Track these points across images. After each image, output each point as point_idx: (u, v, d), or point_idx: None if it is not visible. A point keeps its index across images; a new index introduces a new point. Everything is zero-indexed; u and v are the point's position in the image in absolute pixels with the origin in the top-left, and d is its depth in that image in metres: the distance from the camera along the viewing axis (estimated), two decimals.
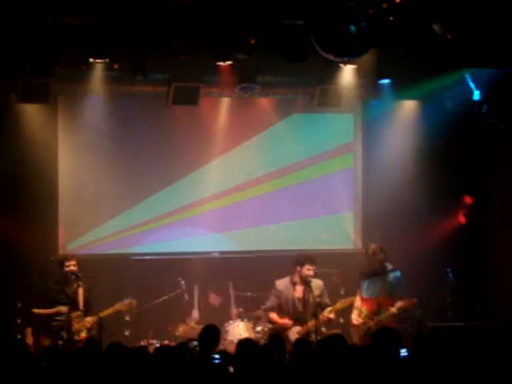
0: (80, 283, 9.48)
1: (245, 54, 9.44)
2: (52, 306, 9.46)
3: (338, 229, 11.85)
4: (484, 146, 11.92)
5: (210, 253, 11.38)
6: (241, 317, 10.22)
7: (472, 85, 10.95)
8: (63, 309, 9.31)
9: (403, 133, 11.74)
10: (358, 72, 10.31)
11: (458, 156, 11.83)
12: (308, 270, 9.59)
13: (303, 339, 7.37)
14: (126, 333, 10.05)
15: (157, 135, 11.24)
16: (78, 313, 9.42)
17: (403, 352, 6.26)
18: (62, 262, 9.60)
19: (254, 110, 11.53)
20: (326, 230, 11.73)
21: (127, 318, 10.02)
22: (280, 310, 9.71)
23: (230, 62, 9.53)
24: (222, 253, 11.43)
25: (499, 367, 6.67)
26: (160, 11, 8.60)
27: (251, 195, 11.54)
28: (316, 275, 9.78)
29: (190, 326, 10.23)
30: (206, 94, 10.78)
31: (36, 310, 9.41)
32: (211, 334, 7.23)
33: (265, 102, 11.56)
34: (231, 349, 8.87)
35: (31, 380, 5.91)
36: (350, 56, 8.77)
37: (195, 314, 10.41)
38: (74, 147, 10.97)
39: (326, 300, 9.72)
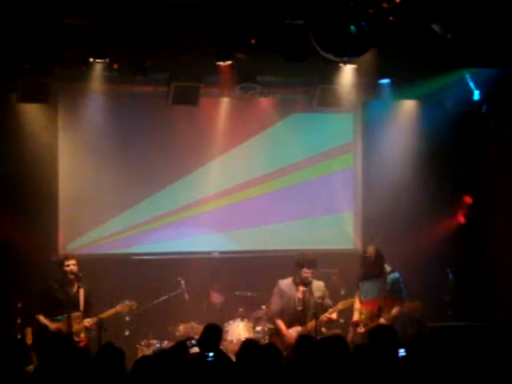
0: (80, 283, 9.48)
1: (245, 54, 9.44)
2: (53, 306, 9.43)
3: (338, 229, 11.85)
4: (484, 145, 11.92)
5: (210, 253, 11.38)
6: (241, 317, 10.22)
7: (472, 85, 10.96)
8: (63, 325, 9.28)
9: (403, 133, 11.75)
10: (358, 72, 10.32)
11: (458, 156, 11.84)
12: (305, 272, 9.56)
13: (305, 335, 7.36)
14: (126, 333, 10.05)
15: (157, 135, 11.24)
16: (78, 313, 9.42)
17: (401, 352, 6.27)
18: (61, 262, 9.58)
19: (254, 110, 11.54)
20: (325, 230, 11.73)
21: (127, 319, 10.02)
22: (281, 310, 9.70)
23: (229, 62, 9.54)
24: (221, 253, 11.42)
25: (499, 367, 6.68)
26: (160, 11, 8.60)
27: (251, 195, 11.54)
28: (316, 276, 9.77)
29: (190, 326, 10.23)
30: (205, 93, 10.79)
31: (40, 318, 9.37)
32: (213, 333, 7.24)
33: (265, 102, 11.57)
34: (231, 349, 8.90)
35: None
36: (349, 56, 8.77)
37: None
38: (74, 147, 10.96)
39: (328, 301, 9.70)
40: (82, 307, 9.48)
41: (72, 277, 9.47)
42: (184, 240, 11.31)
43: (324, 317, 9.41)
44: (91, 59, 9.26)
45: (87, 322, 9.42)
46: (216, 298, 10.83)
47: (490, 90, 10.95)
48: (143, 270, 10.93)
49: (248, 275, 11.05)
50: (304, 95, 11.49)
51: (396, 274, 9.60)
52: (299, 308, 9.52)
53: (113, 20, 8.60)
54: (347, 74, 10.41)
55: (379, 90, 10.95)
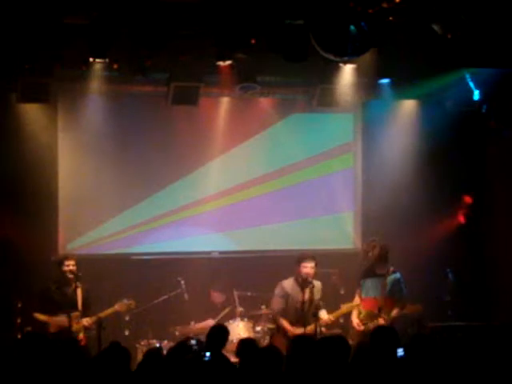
0: (79, 283, 9.48)
1: (245, 54, 9.44)
2: (51, 307, 9.44)
3: (338, 229, 11.85)
4: (484, 145, 11.92)
5: (210, 253, 11.38)
6: (241, 316, 10.22)
7: (472, 85, 10.96)
8: (63, 319, 9.28)
9: (403, 133, 11.75)
10: (358, 72, 10.32)
11: (458, 156, 11.84)
12: (305, 267, 9.52)
13: (302, 336, 7.36)
14: (126, 333, 10.05)
15: (157, 135, 11.24)
16: (77, 313, 9.42)
17: (400, 352, 6.27)
18: (60, 262, 9.58)
19: (254, 110, 11.54)
20: (326, 230, 11.73)
21: (127, 318, 10.02)
22: (284, 310, 9.69)
23: (229, 62, 9.53)
24: (221, 252, 11.43)
25: (499, 367, 6.68)
26: (160, 11, 8.60)
27: (251, 195, 11.54)
28: (316, 276, 9.76)
29: (190, 326, 10.23)
30: (205, 93, 10.79)
31: (38, 315, 9.39)
32: (220, 333, 7.23)
33: (265, 102, 11.57)
34: (231, 348, 8.89)
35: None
36: (349, 56, 8.77)
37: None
38: (74, 147, 10.95)
39: (320, 302, 9.68)
40: (80, 307, 9.47)
41: (71, 276, 9.47)
42: (184, 240, 11.31)
43: (324, 319, 9.41)
44: (91, 59, 9.26)
45: (86, 321, 9.42)
46: (216, 297, 10.82)
47: (490, 90, 10.95)
48: (143, 270, 10.93)
49: (248, 275, 11.04)
50: (304, 95, 11.49)
51: (397, 275, 9.60)
52: (300, 308, 9.52)
53: (113, 20, 8.59)
54: (347, 74, 10.41)
55: (379, 90, 10.95)
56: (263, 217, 11.57)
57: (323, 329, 9.56)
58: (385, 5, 8.34)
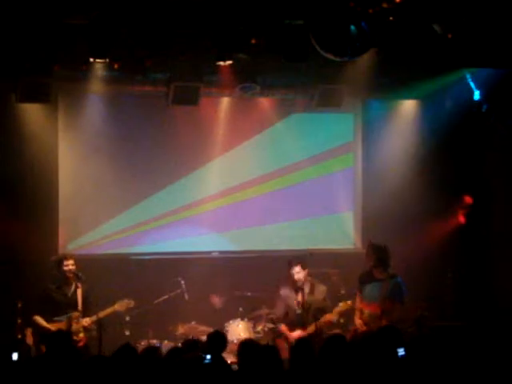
0: (78, 283, 9.47)
1: (245, 54, 9.44)
2: (51, 308, 9.43)
3: (337, 229, 11.86)
4: (484, 145, 11.92)
5: (210, 253, 11.39)
6: (241, 317, 10.22)
7: (472, 85, 10.97)
8: (61, 325, 9.27)
9: (403, 133, 11.76)
10: (358, 72, 10.31)
11: (458, 156, 11.84)
12: (294, 273, 9.55)
13: (303, 339, 7.35)
14: (126, 333, 10.03)
15: (157, 135, 11.24)
16: (77, 313, 9.41)
17: (400, 351, 6.27)
18: (60, 262, 9.57)
19: (254, 109, 11.54)
20: (326, 230, 11.73)
21: (127, 318, 10.01)
22: (284, 314, 9.71)
23: (230, 62, 9.52)
24: (221, 252, 11.44)
25: (499, 367, 6.68)
26: (160, 11, 8.60)
27: (251, 195, 11.55)
28: (316, 276, 9.77)
29: (190, 326, 10.24)
30: (205, 93, 10.79)
31: (37, 320, 9.37)
32: (219, 339, 7.23)
33: (265, 102, 11.57)
34: (231, 349, 8.89)
35: None
36: (349, 56, 8.77)
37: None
38: (74, 147, 10.96)
39: (329, 304, 9.67)
40: (80, 307, 9.47)
41: (71, 276, 9.47)
42: (184, 240, 11.32)
43: (324, 319, 9.40)
44: (91, 59, 9.24)
45: (85, 321, 9.40)
46: (217, 302, 10.82)
47: (490, 90, 10.96)
48: (143, 270, 10.94)
49: (248, 275, 11.04)
50: (304, 95, 11.48)
51: (398, 279, 9.51)
52: (298, 311, 9.52)
53: (113, 20, 8.60)
54: (347, 73, 10.40)
55: (379, 90, 10.95)
56: (263, 217, 11.58)
57: (323, 329, 9.56)
58: (385, 5, 8.35)
